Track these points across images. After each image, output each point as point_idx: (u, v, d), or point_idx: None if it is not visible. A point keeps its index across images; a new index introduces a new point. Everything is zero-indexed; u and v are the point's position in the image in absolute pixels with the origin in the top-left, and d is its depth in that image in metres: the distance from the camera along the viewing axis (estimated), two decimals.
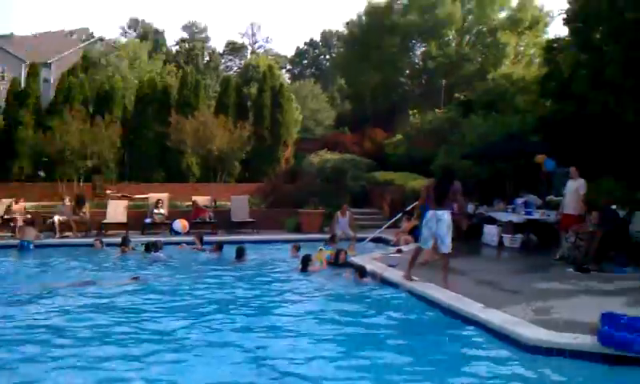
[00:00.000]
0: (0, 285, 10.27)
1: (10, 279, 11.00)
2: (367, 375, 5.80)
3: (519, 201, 14.60)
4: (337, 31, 58.77)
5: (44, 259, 13.29)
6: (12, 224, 16.55)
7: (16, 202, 17.14)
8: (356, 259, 12.18)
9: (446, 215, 9.44)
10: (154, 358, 6.23)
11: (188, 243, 15.06)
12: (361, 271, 10.70)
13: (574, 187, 12.42)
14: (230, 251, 13.79)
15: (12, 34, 65.62)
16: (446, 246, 9.52)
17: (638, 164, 13.89)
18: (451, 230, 9.48)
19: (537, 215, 14.01)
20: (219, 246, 14.20)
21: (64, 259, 13.23)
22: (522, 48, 37.11)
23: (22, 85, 28.08)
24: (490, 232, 14.57)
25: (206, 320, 7.82)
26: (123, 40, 48.07)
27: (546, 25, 36.95)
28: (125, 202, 18.64)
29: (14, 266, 12.72)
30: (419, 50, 39.26)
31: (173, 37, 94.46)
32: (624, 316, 6.46)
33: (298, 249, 13.80)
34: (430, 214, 9.62)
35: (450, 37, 37.75)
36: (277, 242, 15.94)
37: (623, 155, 14.33)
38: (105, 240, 15.32)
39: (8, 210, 16.98)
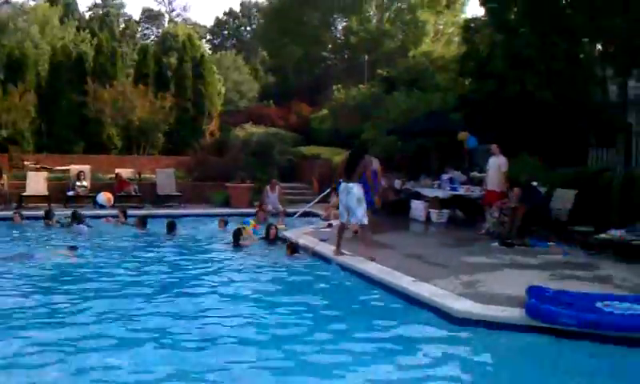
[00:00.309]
0: None
1: None
2: (294, 350, 5.82)
3: (445, 177, 15.09)
4: (257, 2, 58.17)
5: None
6: None
7: None
8: (287, 234, 12.31)
9: (355, 188, 9.70)
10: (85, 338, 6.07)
11: (113, 217, 14.74)
12: (292, 247, 10.82)
13: (496, 164, 12.91)
14: (155, 225, 13.66)
15: None
16: (357, 218, 9.80)
17: (554, 142, 14.60)
18: (363, 202, 9.73)
19: (462, 191, 14.52)
20: (142, 220, 13.94)
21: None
22: (441, 27, 37.90)
23: None
24: (417, 207, 15.00)
25: (142, 297, 7.74)
26: (32, 3, 45.61)
27: (464, 4, 37.86)
28: (44, 174, 17.97)
29: None
30: (340, 24, 39.40)
31: (85, 2, 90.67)
32: (549, 289, 6.88)
33: (225, 223, 13.80)
34: (341, 187, 9.96)
35: (371, 13, 38.05)
36: (206, 216, 15.81)
37: (541, 134, 15.00)
38: (25, 213, 14.79)
39: None
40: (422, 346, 6.00)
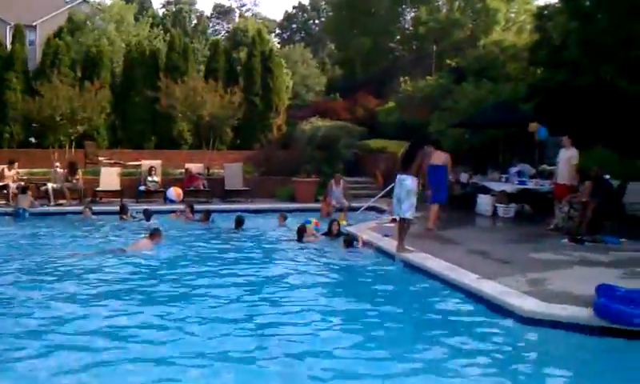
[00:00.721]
0: (26, 252, 10.32)
1: (29, 247, 10.94)
2: (359, 344, 5.86)
3: (513, 170, 14.72)
4: None
5: (49, 227, 13.32)
6: (5, 191, 16.47)
7: (9, 168, 16.98)
8: (351, 229, 12.31)
9: (408, 180, 9.58)
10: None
11: (182, 212, 15.07)
12: (347, 241, 10.82)
13: (567, 157, 12.53)
14: (220, 220, 13.96)
15: None
16: (403, 211, 9.65)
17: (631, 133, 14.02)
18: (412, 196, 9.58)
19: (530, 185, 14.14)
20: (207, 215, 14.18)
21: (66, 227, 13.34)
22: (512, 15, 36.97)
23: (8, 47, 27.65)
24: (484, 202, 14.69)
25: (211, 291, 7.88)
26: (108, 2, 47.18)
27: None
28: (117, 169, 18.57)
29: (22, 234, 12.61)
30: (409, 15, 38.99)
31: None
32: (620, 288, 6.56)
33: (285, 218, 13.90)
34: (396, 178, 9.85)
35: (440, 2, 37.48)
36: (271, 211, 15.92)
37: (616, 124, 14.44)
38: (98, 208, 15.35)
39: (1, 176, 16.86)
40: (484, 344, 5.89)
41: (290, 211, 15.34)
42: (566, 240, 10.79)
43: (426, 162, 9.90)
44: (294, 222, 13.11)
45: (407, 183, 9.58)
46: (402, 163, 9.85)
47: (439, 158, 12.53)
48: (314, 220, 12.56)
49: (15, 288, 7.79)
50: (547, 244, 10.69)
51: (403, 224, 9.82)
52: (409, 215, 9.69)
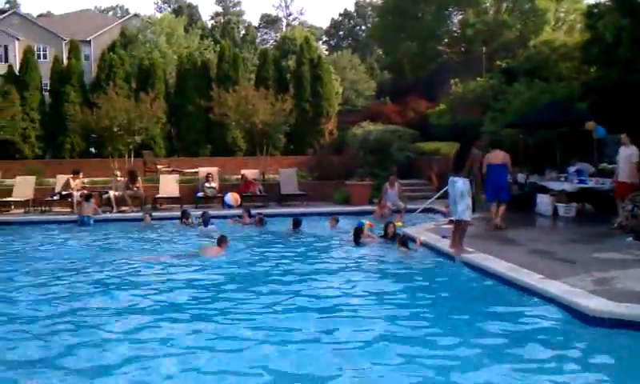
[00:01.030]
0: (102, 257, 10.74)
1: (104, 253, 11.34)
2: (426, 347, 5.88)
3: (571, 169, 14.52)
4: (371, 1, 58.32)
5: (114, 233, 13.84)
6: (70, 200, 17.09)
7: (74, 178, 17.61)
8: (408, 230, 12.37)
9: (460, 182, 9.62)
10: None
11: (239, 216, 15.32)
12: (402, 241, 10.89)
13: (627, 154, 12.30)
14: (276, 223, 14.30)
15: (50, 12, 66.75)
16: (457, 213, 9.71)
17: None
18: (466, 197, 9.60)
19: (591, 183, 13.93)
20: (261, 219, 14.44)
21: (131, 232, 13.85)
22: (562, 14, 36.46)
23: (65, 63, 28.65)
24: (543, 201, 14.53)
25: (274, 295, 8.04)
26: (158, 15, 48.34)
27: None
28: (176, 177, 19.11)
29: (92, 240, 13.08)
30: (456, 18, 38.80)
31: (207, 11, 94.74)
32: None
33: (336, 221, 14.04)
34: (449, 180, 9.92)
35: (488, 4, 37.19)
36: (327, 214, 16.07)
37: None
38: (158, 214, 15.84)
39: (66, 185, 17.51)
40: (552, 345, 5.83)
41: (346, 214, 15.55)
42: (630, 238, 10.59)
43: (476, 163, 9.91)
44: (348, 225, 13.28)
45: (459, 185, 9.65)
46: (454, 165, 9.95)
47: (497, 157, 12.72)
48: (367, 222, 12.65)
49: (100, 290, 8.19)
50: (611, 243, 10.53)
51: (459, 225, 9.86)
52: (465, 216, 9.72)
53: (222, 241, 10.94)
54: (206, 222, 13.87)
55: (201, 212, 14.70)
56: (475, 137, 10.19)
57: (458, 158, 9.96)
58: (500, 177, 12.77)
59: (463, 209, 9.65)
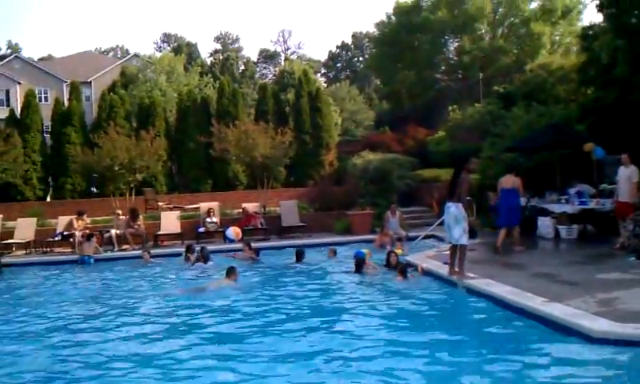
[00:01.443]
0: (102, 296, 10.81)
1: (110, 291, 11.40)
2: (429, 374, 5.86)
3: (572, 191, 14.48)
4: (367, 32, 58.95)
5: (117, 271, 13.86)
6: (71, 239, 17.08)
7: (77, 220, 17.63)
8: (410, 258, 12.30)
9: (453, 207, 9.72)
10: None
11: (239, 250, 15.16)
12: (401, 270, 10.79)
13: (627, 174, 12.29)
14: (276, 256, 14.33)
15: (50, 55, 67.54)
16: (454, 238, 9.73)
17: None
18: (461, 221, 9.67)
19: (592, 204, 13.90)
20: (256, 251, 14.35)
21: (133, 270, 13.84)
22: (557, 37, 36.83)
23: (65, 104, 28.88)
24: (545, 224, 14.51)
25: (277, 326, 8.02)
26: (158, 55, 48.87)
27: (579, 12, 36.54)
28: (177, 213, 19.14)
29: (91, 279, 13.12)
30: (452, 45, 39.17)
31: (206, 49, 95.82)
32: None
33: (334, 252, 13.97)
34: (445, 206, 10.01)
35: (483, 30, 37.59)
36: (329, 244, 16.03)
37: None
38: (157, 251, 15.84)
39: (70, 226, 17.52)
40: (557, 368, 5.77)
41: (348, 244, 15.49)
42: (633, 258, 10.56)
43: (464, 188, 9.91)
44: (347, 254, 13.29)
45: (452, 210, 9.75)
46: (447, 191, 10.07)
47: (508, 181, 12.99)
48: (367, 251, 12.55)
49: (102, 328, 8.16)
50: (614, 263, 10.49)
51: (455, 250, 9.87)
52: (463, 241, 9.74)
53: (231, 272, 10.95)
54: (205, 258, 13.80)
55: (199, 248, 14.63)
56: (465, 160, 10.17)
57: (450, 183, 10.05)
58: (511, 200, 12.95)
59: (460, 234, 9.68)
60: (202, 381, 5.93)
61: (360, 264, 11.65)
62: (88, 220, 18.09)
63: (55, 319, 9.03)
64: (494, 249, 12.58)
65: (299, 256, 13.26)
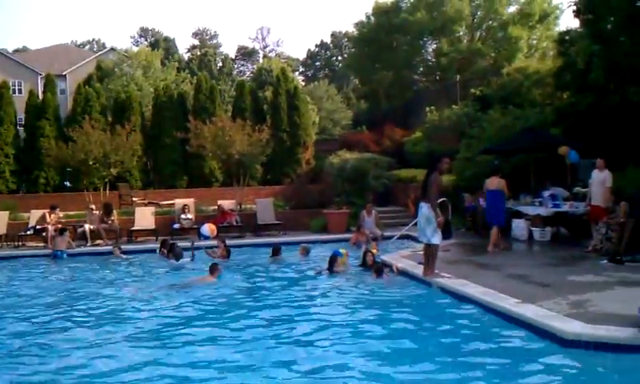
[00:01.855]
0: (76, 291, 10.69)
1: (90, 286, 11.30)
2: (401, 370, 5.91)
3: (546, 193, 14.63)
4: (346, 32, 58.96)
5: (89, 266, 13.76)
6: (44, 234, 16.85)
7: (49, 214, 17.38)
8: (385, 257, 12.32)
9: (425, 207, 9.86)
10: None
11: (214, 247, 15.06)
12: (377, 269, 10.85)
13: (601, 179, 12.47)
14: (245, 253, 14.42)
15: (25, 47, 66.51)
16: (426, 237, 9.86)
17: None
18: (432, 222, 9.78)
19: (565, 207, 14.06)
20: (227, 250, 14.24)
21: (107, 266, 13.76)
22: (534, 41, 37.16)
23: (40, 97, 28.44)
24: (519, 226, 14.65)
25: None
26: (135, 49, 48.38)
27: (557, 17, 36.92)
28: (152, 209, 18.97)
29: (64, 274, 12.96)
30: (431, 47, 39.33)
31: (184, 44, 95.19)
32: None
33: (307, 251, 13.94)
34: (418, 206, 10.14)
35: (461, 33, 37.77)
36: (305, 242, 15.96)
37: None
38: (130, 247, 15.71)
39: (42, 220, 17.27)
40: (528, 369, 5.83)
41: (323, 242, 15.55)
42: (605, 261, 10.70)
43: (436, 187, 9.96)
44: (323, 253, 13.34)
45: (424, 210, 9.89)
46: (421, 191, 10.19)
47: (493, 183, 13.22)
48: (344, 251, 12.52)
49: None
50: (586, 266, 10.61)
51: (430, 249, 9.93)
52: (434, 240, 9.82)
53: (214, 269, 10.95)
54: (177, 257, 13.69)
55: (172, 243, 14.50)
56: (437, 160, 10.24)
57: (423, 183, 10.17)
58: (495, 202, 13.22)
59: (432, 233, 9.73)
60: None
61: (332, 262, 11.61)
62: (61, 214, 17.83)
63: (24, 314, 8.91)
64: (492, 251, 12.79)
65: (276, 252, 13.24)
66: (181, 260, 13.45)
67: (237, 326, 7.81)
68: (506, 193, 13.41)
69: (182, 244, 14.68)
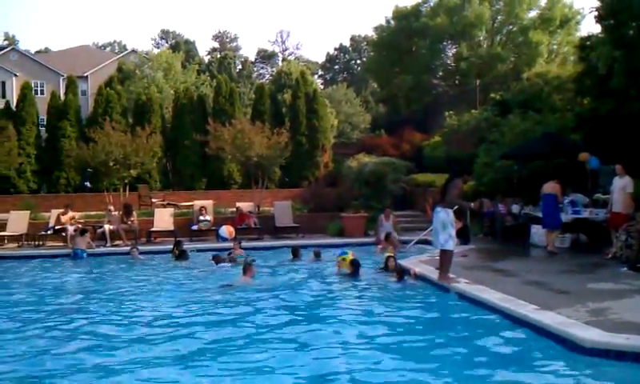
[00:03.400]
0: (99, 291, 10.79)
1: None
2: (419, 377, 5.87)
3: (566, 200, 14.51)
4: (366, 36, 58.94)
5: (110, 266, 13.85)
6: (63, 234, 17.03)
7: (63, 213, 17.58)
8: (403, 262, 12.28)
9: (441, 213, 9.82)
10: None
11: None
12: (399, 273, 10.90)
13: (621, 185, 12.34)
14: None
15: (48, 49, 67.28)
16: (441, 243, 9.82)
17: None
18: (448, 227, 9.76)
19: (585, 214, 13.94)
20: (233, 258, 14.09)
21: (131, 267, 13.85)
22: (555, 46, 36.93)
23: (62, 98, 28.79)
24: (538, 232, 14.52)
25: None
26: (156, 51, 48.75)
27: (578, 23, 36.69)
28: (170, 210, 19.11)
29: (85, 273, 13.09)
30: (450, 51, 39.24)
31: (204, 47, 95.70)
32: None
33: (318, 255, 13.92)
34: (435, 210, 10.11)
35: (481, 37, 37.64)
36: (322, 246, 16.00)
37: None
38: (147, 248, 15.89)
39: (57, 220, 17.47)
40: (548, 377, 5.75)
41: (341, 246, 15.43)
42: (625, 269, 10.58)
43: (453, 194, 9.94)
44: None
45: (440, 215, 9.84)
46: (440, 196, 10.20)
47: (548, 187, 13.34)
48: (350, 252, 12.48)
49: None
50: (606, 273, 10.50)
51: (445, 255, 9.90)
52: (448, 246, 9.81)
53: (247, 269, 11.04)
54: (183, 256, 13.93)
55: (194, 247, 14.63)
56: (456, 170, 10.27)
57: (442, 189, 10.18)
58: (546, 205, 13.41)
59: (446, 238, 9.76)
60: None
61: (295, 252, 12.34)
62: (77, 214, 18.00)
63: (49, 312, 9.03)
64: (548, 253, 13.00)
65: (295, 253, 13.29)
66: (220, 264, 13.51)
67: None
68: (559, 197, 13.48)
69: (199, 246, 14.75)
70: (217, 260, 13.35)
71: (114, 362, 6.46)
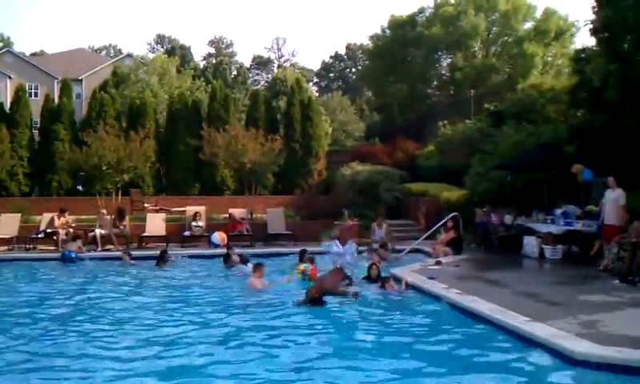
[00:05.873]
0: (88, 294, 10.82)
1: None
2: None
3: (558, 211, 14.54)
4: (361, 44, 59.09)
5: (101, 270, 13.73)
6: (55, 238, 16.92)
7: (59, 217, 17.46)
8: (395, 271, 12.23)
9: None
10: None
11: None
12: (383, 282, 10.84)
13: (614, 197, 12.38)
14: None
15: (43, 51, 67.13)
16: None
17: None
18: None
19: (577, 226, 13.96)
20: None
21: (126, 274, 13.65)
22: (549, 58, 37.11)
23: (56, 101, 28.69)
24: (530, 243, 14.55)
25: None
26: (151, 56, 48.74)
27: (573, 35, 36.88)
28: (163, 215, 19.01)
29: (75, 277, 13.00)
30: (445, 61, 39.37)
31: (199, 52, 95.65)
32: None
33: (311, 261, 13.80)
34: None
35: (476, 48, 37.79)
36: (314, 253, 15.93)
37: None
38: (139, 253, 15.77)
39: (51, 223, 17.35)
40: None
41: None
42: (617, 281, 10.58)
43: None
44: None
45: None
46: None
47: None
48: (310, 265, 12.24)
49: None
50: (598, 285, 10.52)
51: None
52: None
53: (257, 269, 11.09)
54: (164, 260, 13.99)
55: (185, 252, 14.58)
56: None
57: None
58: None
59: None
60: None
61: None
62: (70, 218, 17.87)
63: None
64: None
65: (302, 255, 13.24)
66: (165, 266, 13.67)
67: None
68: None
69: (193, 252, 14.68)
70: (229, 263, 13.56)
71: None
